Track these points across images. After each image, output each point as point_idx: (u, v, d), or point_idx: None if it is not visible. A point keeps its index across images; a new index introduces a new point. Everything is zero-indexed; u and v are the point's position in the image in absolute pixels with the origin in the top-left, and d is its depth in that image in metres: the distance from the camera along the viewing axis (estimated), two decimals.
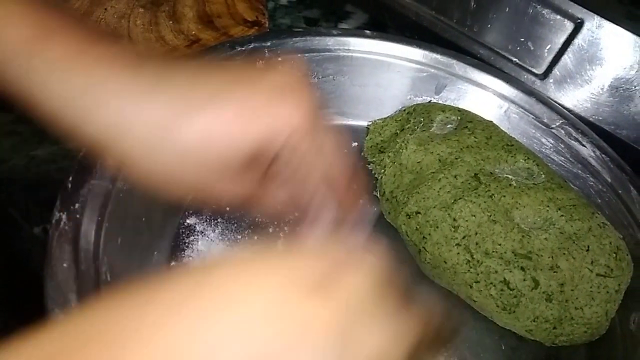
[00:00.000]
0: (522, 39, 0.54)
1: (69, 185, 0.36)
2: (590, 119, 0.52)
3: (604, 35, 0.51)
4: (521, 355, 0.42)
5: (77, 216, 0.35)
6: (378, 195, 0.47)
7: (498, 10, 0.55)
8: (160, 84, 0.27)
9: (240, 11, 0.61)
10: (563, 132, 0.48)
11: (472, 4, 0.56)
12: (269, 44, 0.47)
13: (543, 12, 0.53)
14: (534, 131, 0.49)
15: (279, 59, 0.37)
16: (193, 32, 0.58)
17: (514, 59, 0.55)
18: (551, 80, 0.53)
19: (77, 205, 0.35)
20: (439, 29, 0.45)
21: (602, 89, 0.52)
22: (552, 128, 0.49)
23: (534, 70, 0.54)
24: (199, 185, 0.29)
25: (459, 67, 0.51)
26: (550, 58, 0.53)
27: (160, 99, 0.27)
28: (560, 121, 0.48)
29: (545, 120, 0.49)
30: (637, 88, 0.51)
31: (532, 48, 0.54)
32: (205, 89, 0.27)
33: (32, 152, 0.48)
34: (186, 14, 0.60)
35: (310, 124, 0.28)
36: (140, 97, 0.27)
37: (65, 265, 0.32)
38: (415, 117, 0.49)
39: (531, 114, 0.50)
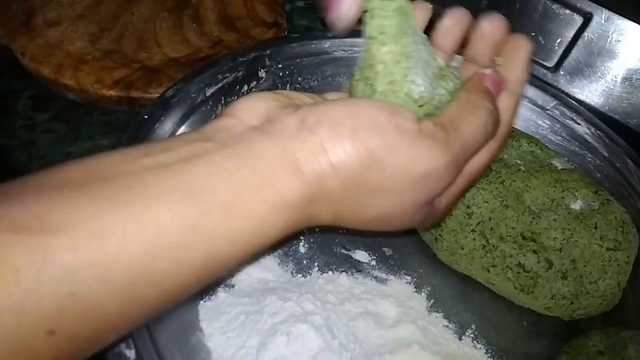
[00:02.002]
0: (533, 34, 0.56)
1: None
2: (601, 109, 0.54)
3: (613, 28, 0.52)
4: (542, 329, 0.43)
5: None
6: None
7: (509, 6, 0.57)
8: None
9: (260, 13, 0.64)
10: (558, 112, 0.50)
11: (484, 0, 0.58)
12: (268, 52, 0.49)
13: (552, 7, 0.55)
14: (529, 114, 0.51)
15: None
16: (215, 34, 0.60)
17: None
18: (562, 73, 0.55)
19: None
20: None
21: (611, 80, 0.54)
22: (546, 110, 0.50)
23: (545, 63, 0.56)
24: None
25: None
26: (560, 52, 0.55)
27: None
28: (554, 102, 0.50)
29: (539, 103, 0.51)
30: None
31: (542, 42, 0.56)
32: None
33: (68, 149, 0.50)
34: (208, 17, 0.62)
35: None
36: None
37: None
38: None
39: (525, 97, 0.51)
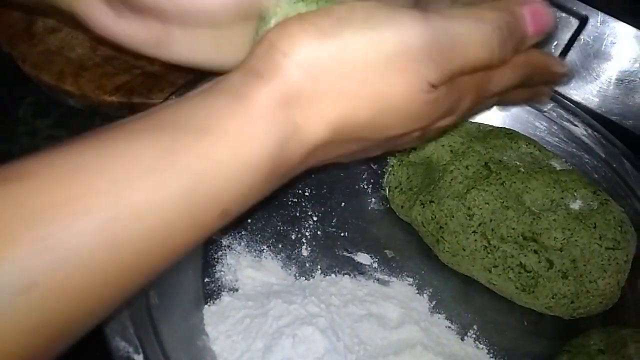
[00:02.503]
0: None
1: None
2: (597, 110, 0.55)
3: (608, 30, 0.53)
4: (543, 329, 0.44)
5: None
6: (387, 192, 0.49)
7: None
8: None
9: None
10: (555, 114, 0.50)
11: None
12: None
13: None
14: (527, 116, 0.51)
15: None
16: None
17: None
18: None
19: None
20: None
21: (607, 82, 0.54)
22: (544, 112, 0.51)
23: None
24: None
25: None
26: (557, 54, 0.56)
27: None
28: (552, 104, 0.51)
29: (536, 105, 0.51)
30: None
31: (539, 45, 0.56)
32: None
33: None
34: None
35: None
36: None
37: None
38: None
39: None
